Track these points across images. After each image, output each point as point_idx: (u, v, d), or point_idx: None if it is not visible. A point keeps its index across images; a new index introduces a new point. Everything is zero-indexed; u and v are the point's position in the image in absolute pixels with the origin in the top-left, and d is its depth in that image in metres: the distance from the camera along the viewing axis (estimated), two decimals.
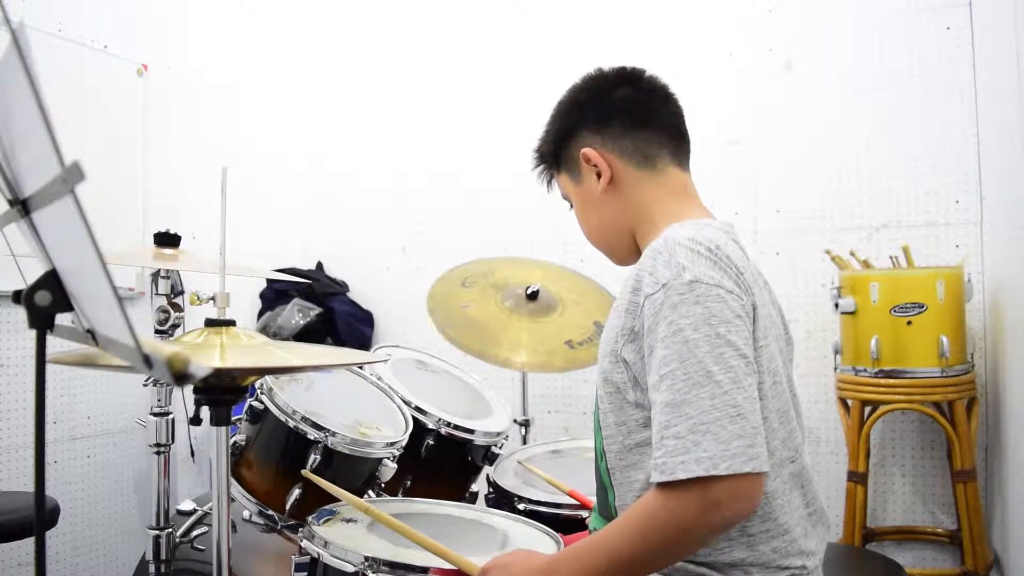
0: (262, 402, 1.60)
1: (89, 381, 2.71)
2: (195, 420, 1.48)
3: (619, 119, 1.21)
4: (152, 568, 1.65)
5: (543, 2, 2.98)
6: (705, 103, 2.56)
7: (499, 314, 2.22)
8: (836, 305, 2.24)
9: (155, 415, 1.68)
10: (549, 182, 1.33)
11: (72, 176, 0.65)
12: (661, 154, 1.21)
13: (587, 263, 2.50)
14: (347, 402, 1.80)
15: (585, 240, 1.31)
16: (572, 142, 1.24)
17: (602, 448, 1.15)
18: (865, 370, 2.19)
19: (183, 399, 2.14)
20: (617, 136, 1.21)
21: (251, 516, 1.61)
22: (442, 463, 1.87)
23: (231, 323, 1.28)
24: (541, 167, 1.33)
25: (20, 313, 0.77)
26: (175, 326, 1.67)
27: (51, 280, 0.76)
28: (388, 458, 1.65)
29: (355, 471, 1.63)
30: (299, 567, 1.40)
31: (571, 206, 1.31)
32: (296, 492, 1.56)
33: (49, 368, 0.76)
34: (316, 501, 1.49)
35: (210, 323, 1.28)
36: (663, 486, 0.96)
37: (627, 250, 1.26)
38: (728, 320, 0.98)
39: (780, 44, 2.65)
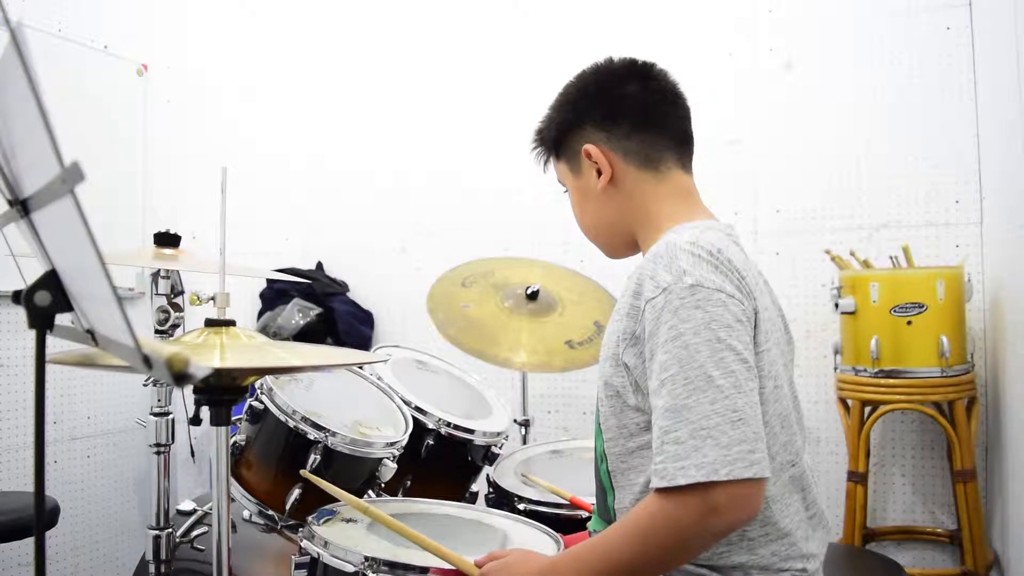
0: (262, 402, 1.60)
1: (89, 381, 2.72)
2: (195, 420, 1.48)
3: (627, 119, 1.18)
4: (152, 568, 1.64)
5: (543, 2, 2.98)
6: (705, 103, 2.53)
7: (499, 314, 2.22)
8: (836, 305, 2.24)
9: (155, 415, 1.68)
10: (545, 163, 1.30)
11: (72, 176, 0.64)
12: (665, 157, 1.19)
13: (587, 263, 2.50)
14: (347, 402, 1.80)
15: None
16: (575, 134, 1.22)
17: (603, 450, 1.15)
18: (865, 370, 2.19)
19: (183, 399, 2.13)
20: (623, 136, 1.18)
21: (251, 516, 1.61)
22: (442, 463, 1.87)
23: (231, 323, 1.28)
24: (539, 149, 1.30)
25: (20, 313, 0.77)
26: (175, 326, 1.67)
27: (51, 280, 0.76)
28: (388, 458, 1.64)
29: (355, 471, 1.63)
30: (299, 567, 1.39)
31: (566, 189, 1.29)
32: (296, 492, 1.56)
33: (49, 368, 0.76)
34: (316, 501, 1.49)
35: (210, 323, 1.28)
36: (663, 491, 0.95)
37: (622, 247, 1.25)
38: (729, 324, 0.98)
39: (780, 44, 2.65)
